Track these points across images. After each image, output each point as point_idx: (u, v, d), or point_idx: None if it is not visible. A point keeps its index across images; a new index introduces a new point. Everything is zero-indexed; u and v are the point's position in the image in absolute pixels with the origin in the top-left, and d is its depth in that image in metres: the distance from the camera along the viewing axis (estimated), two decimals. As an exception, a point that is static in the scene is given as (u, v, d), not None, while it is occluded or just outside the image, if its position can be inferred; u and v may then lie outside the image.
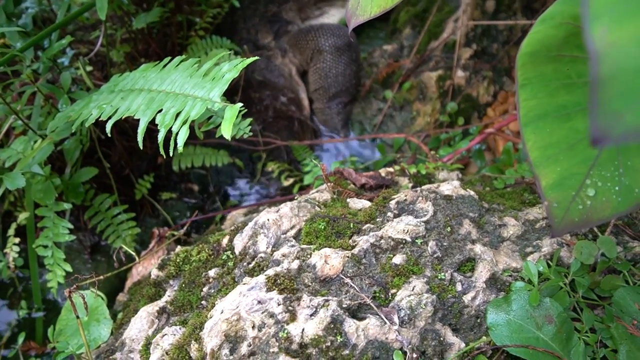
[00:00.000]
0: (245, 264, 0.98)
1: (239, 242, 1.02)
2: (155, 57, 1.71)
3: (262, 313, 0.82)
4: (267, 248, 0.99)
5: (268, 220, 1.01)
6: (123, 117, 0.95)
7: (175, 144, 0.84)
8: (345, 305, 0.83)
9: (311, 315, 0.81)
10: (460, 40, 1.80)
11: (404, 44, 1.96)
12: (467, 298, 0.87)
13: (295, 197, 1.13)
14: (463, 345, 0.83)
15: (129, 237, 1.46)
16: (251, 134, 1.09)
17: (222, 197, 1.78)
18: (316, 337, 0.78)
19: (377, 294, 0.86)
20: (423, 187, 1.06)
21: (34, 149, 1.16)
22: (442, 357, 0.82)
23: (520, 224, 1.00)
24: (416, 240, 0.92)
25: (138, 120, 0.91)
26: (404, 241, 0.92)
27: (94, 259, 1.57)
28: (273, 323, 0.81)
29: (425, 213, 0.98)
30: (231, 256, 1.02)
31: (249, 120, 1.09)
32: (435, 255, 0.91)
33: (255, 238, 1.01)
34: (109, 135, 0.94)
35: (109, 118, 0.96)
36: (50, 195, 1.24)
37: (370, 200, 1.11)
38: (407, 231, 0.93)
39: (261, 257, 0.97)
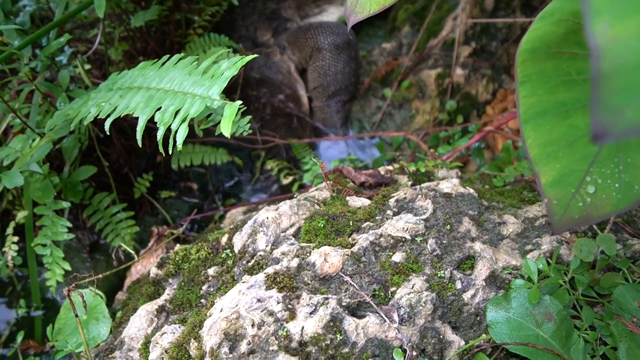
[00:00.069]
0: (244, 262, 0.98)
1: (239, 241, 1.02)
2: (153, 56, 1.70)
3: (262, 311, 0.82)
4: (266, 246, 0.98)
5: (267, 218, 1.01)
6: (122, 115, 0.95)
7: (175, 141, 0.84)
8: (345, 304, 0.83)
9: (311, 313, 0.81)
10: (459, 38, 1.80)
11: (403, 42, 1.96)
12: (466, 296, 0.86)
13: (295, 195, 1.12)
14: (463, 343, 0.83)
15: (127, 236, 1.46)
16: (250, 131, 1.09)
17: (221, 195, 1.78)
18: (316, 335, 0.78)
19: (377, 292, 0.86)
20: (422, 185, 1.06)
21: (32, 147, 1.16)
22: (441, 355, 0.82)
23: (519, 221, 1.00)
24: (416, 238, 0.92)
25: (137, 118, 0.91)
26: (403, 239, 0.92)
27: (92, 257, 1.57)
28: (272, 321, 0.81)
29: (425, 211, 0.98)
30: (230, 254, 1.02)
31: (248, 117, 1.09)
32: (434, 253, 0.91)
33: (255, 236, 1.01)
34: (108, 133, 0.94)
35: (108, 116, 0.96)
36: (49, 193, 1.24)
37: (369, 198, 1.11)
38: (407, 229, 0.93)
39: (260, 255, 0.96)
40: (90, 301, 1.12)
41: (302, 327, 0.79)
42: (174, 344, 0.90)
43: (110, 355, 1.00)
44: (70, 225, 1.27)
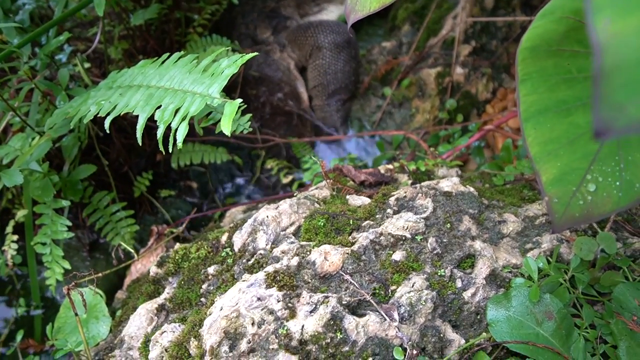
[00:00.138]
0: (244, 260, 0.98)
1: (238, 239, 1.02)
2: (153, 54, 1.70)
3: (262, 310, 0.82)
4: (266, 245, 0.98)
5: (267, 217, 1.01)
6: (121, 114, 0.95)
7: (175, 140, 0.83)
8: (345, 302, 0.83)
9: (311, 311, 0.81)
10: (459, 37, 1.80)
11: (403, 40, 1.96)
12: (467, 294, 0.86)
13: (295, 194, 1.12)
14: (463, 341, 0.83)
15: (127, 235, 1.46)
16: (250, 129, 1.08)
17: (221, 194, 1.78)
18: (316, 333, 0.78)
19: (377, 291, 0.86)
20: (422, 183, 1.06)
21: (31, 145, 1.16)
22: (442, 353, 0.82)
23: (520, 220, 1.00)
24: (416, 237, 0.92)
25: (136, 117, 0.91)
26: (403, 238, 0.92)
27: (92, 256, 1.56)
28: (272, 320, 0.80)
29: (425, 209, 0.98)
30: (230, 253, 1.02)
31: (248, 116, 1.09)
32: (435, 252, 0.90)
33: (255, 235, 1.00)
34: (108, 132, 0.93)
35: (107, 114, 0.95)
36: (49, 192, 1.24)
37: (369, 197, 1.11)
38: (407, 228, 0.93)
39: (260, 254, 0.96)
40: (90, 300, 1.12)
41: (303, 326, 0.79)
42: (174, 342, 0.90)
43: (110, 354, 1.00)
44: (69, 224, 1.27)
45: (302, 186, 1.69)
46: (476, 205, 0.99)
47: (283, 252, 0.93)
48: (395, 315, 0.82)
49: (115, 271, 1.35)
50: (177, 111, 0.87)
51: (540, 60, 0.70)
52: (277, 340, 0.78)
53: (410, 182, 1.18)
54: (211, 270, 1.01)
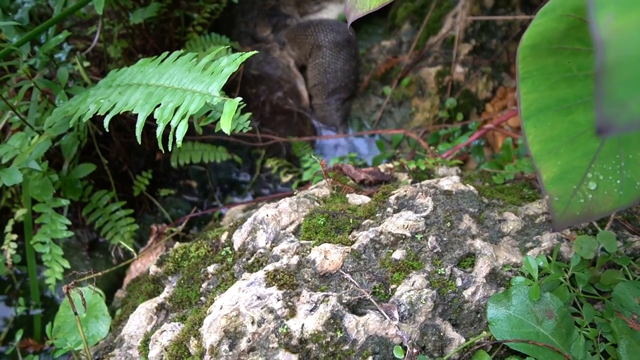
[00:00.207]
0: (244, 259, 0.98)
1: (238, 238, 1.02)
2: (152, 53, 1.70)
3: (262, 308, 0.82)
4: (266, 244, 0.98)
5: (267, 215, 1.01)
6: (121, 112, 0.94)
7: (174, 139, 0.83)
8: (345, 301, 0.83)
9: (311, 310, 0.81)
10: (459, 36, 1.80)
11: (403, 39, 1.96)
12: (467, 293, 0.86)
13: (295, 193, 1.12)
14: (463, 340, 0.83)
15: (127, 234, 1.45)
16: (250, 128, 1.08)
17: (220, 193, 1.78)
18: (316, 332, 0.78)
19: (377, 290, 0.86)
20: (422, 182, 1.06)
21: (31, 144, 1.16)
22: (442, 352, 0.82)
23: (520, 219, 1.00)
24: (416, 236, 0.92)
25: (136, 116, 0.90)
26: (403, 236, 0.92)
27: (92, 255, 1.56)
28: (272, 318, 0.80)
29: (425, 208, 0.98)
30: (230, 252, 1.02)
31: (247, 114, 1.09)
32: (435, 251, 0.90)
33: (255, 234, 1.00)
34: (107, 131, 0.93)
35: (107, 113, 0.95)
36: (48, 191, 1.24)
37: (369, 195, 1.11)
38: (407, 226, 0.92)
39: (260, 252, 0.96)
40: (89, 299, 1.12)
41: (302, 325, 0.79)
42: (174, 341, 0.89)
43: (109, 353, 1.00)
44: (69, 223, 1.27)
45: (302, 185, 1.69)
46: (476, 204, 0.99)
47: (283, 251, 0.93)
48: (396, 314, 0.81)
49: (115, 270, 1.34)
50: (176, 110, 0.86)
51: (540, 58, 0.70)
52: (277, 339, 0.78)
53: (410, 181, 1.18)
54: (211, 269, 1.01)
